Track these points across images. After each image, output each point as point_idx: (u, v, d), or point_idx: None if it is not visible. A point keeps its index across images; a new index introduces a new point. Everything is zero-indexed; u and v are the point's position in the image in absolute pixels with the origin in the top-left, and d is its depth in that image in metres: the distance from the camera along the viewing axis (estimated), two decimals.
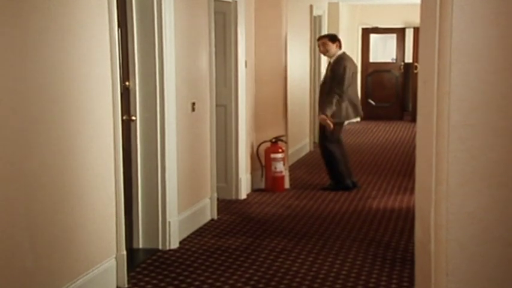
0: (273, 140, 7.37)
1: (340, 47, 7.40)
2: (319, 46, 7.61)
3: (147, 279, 4.61)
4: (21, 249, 3.48)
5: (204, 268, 4.82)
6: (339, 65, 7.21)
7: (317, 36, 9.10)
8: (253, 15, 7.31)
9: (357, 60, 14.34)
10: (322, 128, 7.33)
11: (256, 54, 7.41)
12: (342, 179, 7.39)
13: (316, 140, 11.03)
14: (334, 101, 7.13)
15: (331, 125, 7.14)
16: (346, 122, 7.66)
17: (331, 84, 7.21)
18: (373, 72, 14.70)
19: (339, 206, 6.73)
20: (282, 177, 7.44)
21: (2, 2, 3.26)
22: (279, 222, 6.09)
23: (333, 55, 7.36)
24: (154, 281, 4.57)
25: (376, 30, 14.80)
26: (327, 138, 7.31)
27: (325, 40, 7.45)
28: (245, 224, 6.05)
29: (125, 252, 4.48)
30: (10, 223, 3.38)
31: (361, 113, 7.57)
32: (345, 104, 7.22)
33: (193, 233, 5.71)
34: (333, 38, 7.45)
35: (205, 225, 5.99)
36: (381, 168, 8.84)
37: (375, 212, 6.45)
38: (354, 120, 7.40)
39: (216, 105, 6.28)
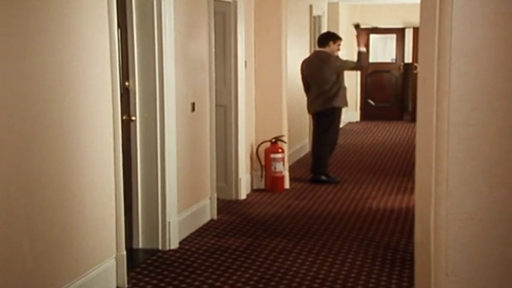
0: (273, 140, 7.38)
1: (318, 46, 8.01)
2: None
3: (147, 279, 4.61)
4: (21, 250, 3.48)
5: (204, 268, 4.82)
6: None
7: (317, 36, 9.12)
8: (253, 15, 7.32)
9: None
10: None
11: (256, 54, 7.41)
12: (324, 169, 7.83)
13: None
14: None
15: None
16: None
17: None
18: (373, 72, 14.67)
19: (339, 206, 6.73)
20: (282, 177, 7.44)
21: (2, 2, 3.26)
22: (279, 222, 6.09)
23: None
24: (154, 281, 4.57)
25: (376, 30, 14.77)
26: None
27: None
28: (245, 224, 6.05)
29: (124, 252, 4.48)
30: (10, 223, 3.38)
31: (311, 110, 7.98)
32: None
33: (193, 233, 5.71)
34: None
35: (205, 225, 5.99)
36: (381, 168, 8.84)
37: (375, 212, 6.45)
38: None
39: (216, 105, 6.28)
